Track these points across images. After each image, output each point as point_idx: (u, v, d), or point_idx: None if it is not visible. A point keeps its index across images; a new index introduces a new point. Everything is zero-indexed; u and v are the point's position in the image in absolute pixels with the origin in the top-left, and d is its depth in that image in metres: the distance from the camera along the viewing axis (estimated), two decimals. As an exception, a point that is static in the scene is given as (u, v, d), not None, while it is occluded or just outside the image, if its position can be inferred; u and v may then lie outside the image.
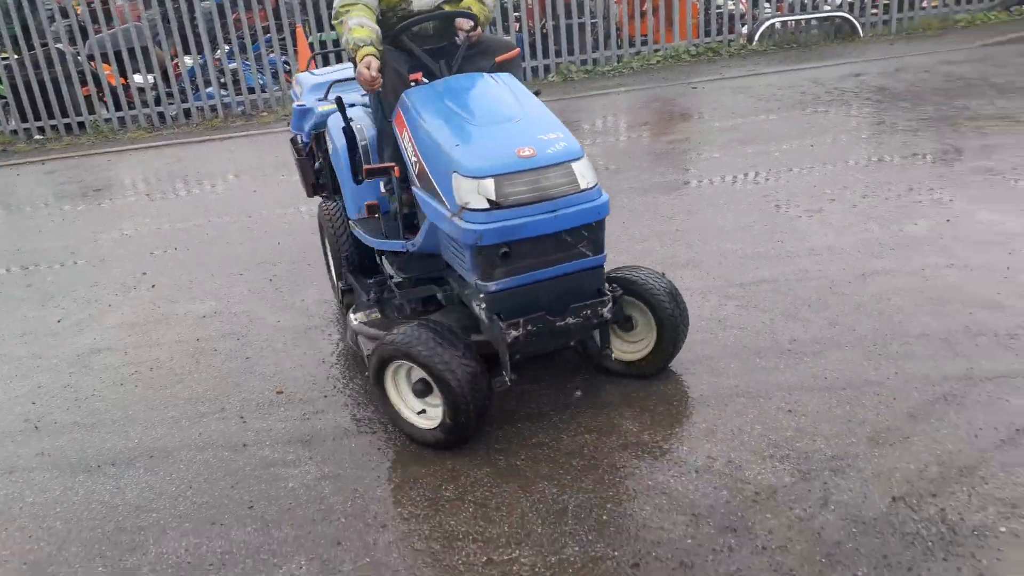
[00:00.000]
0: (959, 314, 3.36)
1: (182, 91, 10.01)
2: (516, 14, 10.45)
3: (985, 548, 2.15)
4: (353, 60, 2.92)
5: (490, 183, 2.50)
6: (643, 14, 10.62)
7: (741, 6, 11.05)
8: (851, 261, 3.97)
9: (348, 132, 3.22)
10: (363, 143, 3.25)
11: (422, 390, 2.71)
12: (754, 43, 10.70)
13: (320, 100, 3.72)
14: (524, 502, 2.49)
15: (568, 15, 10.28)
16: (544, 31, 10.38)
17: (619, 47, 10.61)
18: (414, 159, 2.78)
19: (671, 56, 10.49)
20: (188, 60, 10.10)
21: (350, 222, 3.45)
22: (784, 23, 10.88)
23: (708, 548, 2.24)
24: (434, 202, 2.69)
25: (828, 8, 11.03)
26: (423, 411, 2.80)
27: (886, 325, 3.33)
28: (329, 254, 3.94)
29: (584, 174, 2.62)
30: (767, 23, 10.80)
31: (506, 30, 10.20)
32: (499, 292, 2.58)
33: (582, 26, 10.38)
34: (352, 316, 3.27)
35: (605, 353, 2.97)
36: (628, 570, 2.19)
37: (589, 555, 2.25)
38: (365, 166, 3.02)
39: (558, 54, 10.40)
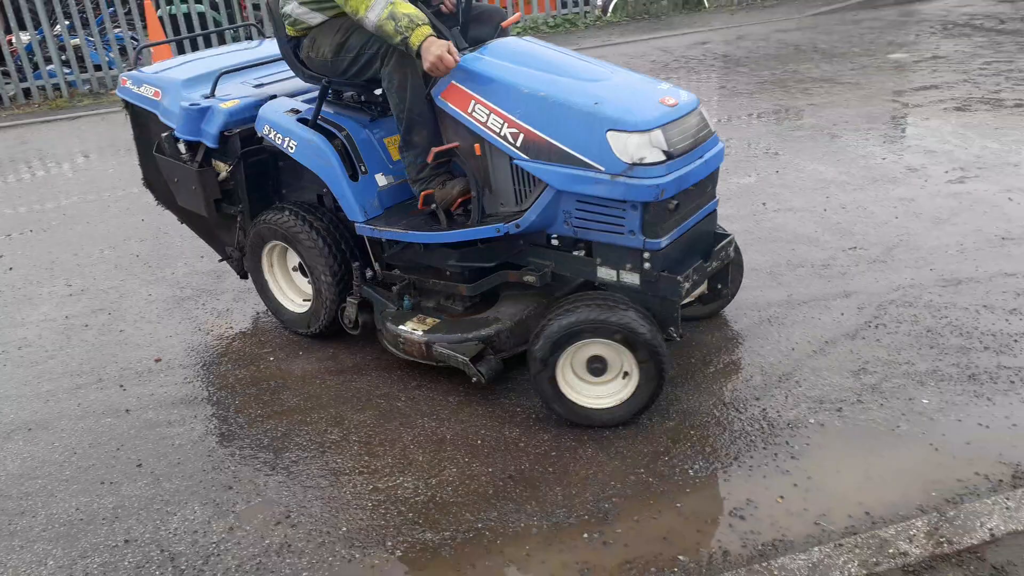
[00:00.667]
0: (783, 250, 3.82)
1: (20, 70, 9.40)
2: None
3: (797, 437, 2.55)
4: (406, 42, 2.55)
5: (660, 134, 2.43)
6: (501, -14, 10.83)
7: (595, -22, 11.48)
8: (694, 210, 4.38)
9: (317, 126, 2.95)
10: (344, 132, 2.97)
11: (600, 368, 2.61)
12: (608, 14, 11.16)
13: (207, 96, 3.22)
14: (406, 436, 2.71)
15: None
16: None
17: (480, 19, 10.80)
18: (511, 130, 2.55)
19: (530, 27, 10.79)
20: (24, 36, 9.48)
21: (360, 226, 2.94)
22: (635, -6, 11.40)
23: (569, 455, 2.54)
24: (570, 169, 2.48)
25: (675, -20, 11.63)
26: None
27: (722, 263, 3.74)
28: (284, 277, 3.41)
29: (709, 119, 2.66)
30: (619, -5, 11.27)
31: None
32: (667, 247, 2.52)
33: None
34: (406, 329, 2.87)
35: (725, 293, 3.04)
36: (502, 481, 2.45)
37: (466, 473, 2.50)
38: (435, 148, 2.73)
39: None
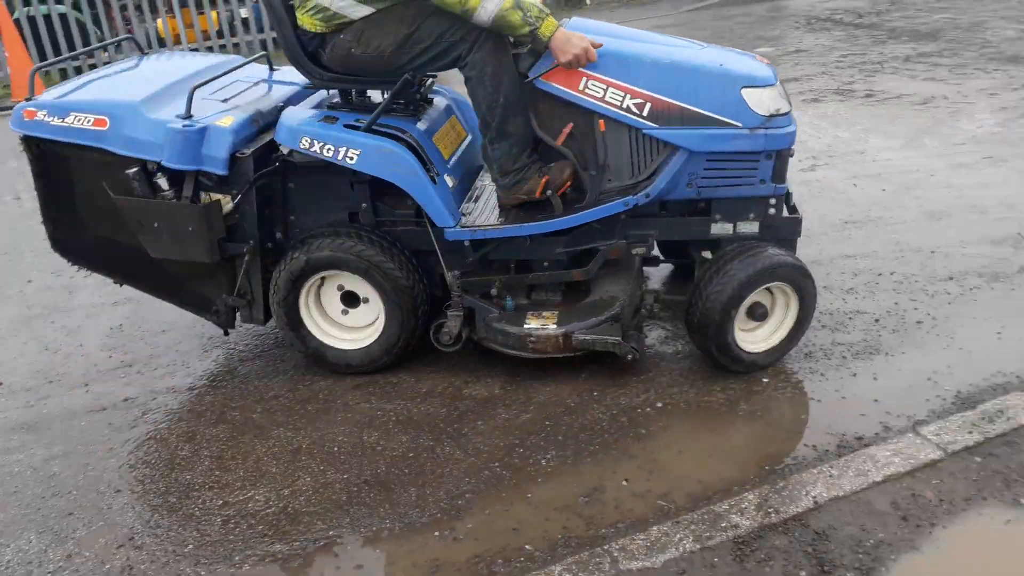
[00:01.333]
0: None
1: None
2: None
3: (644, 421, 2.63)
4: (534, 32, 2.51)
5: (782, 87, 2.67)
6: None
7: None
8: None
9: (374, 131, 2.73)
10: (407, 135, 2.78)
11: (763, 313, 2.78)
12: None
13: (185, 117, 2.69)
14: (259, 448, 2.65)
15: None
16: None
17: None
18: (635, 100, 2.60)
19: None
20: None
21: (453, 231, 2.76)
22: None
23: (426, 455, 2.55)
24: (706, 130, 2.61)
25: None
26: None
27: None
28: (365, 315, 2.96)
29: None
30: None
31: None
32: (785, 190, 2.78)
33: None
34: (535, 326, 2.77)
35: None
36: (357, 486, 2.44)
37: (320, 482, 2.47)
38: (564, 130, 2.70)
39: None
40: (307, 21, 2.70)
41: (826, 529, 2.11)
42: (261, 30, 9.97)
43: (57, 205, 2.97)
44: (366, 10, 2.64)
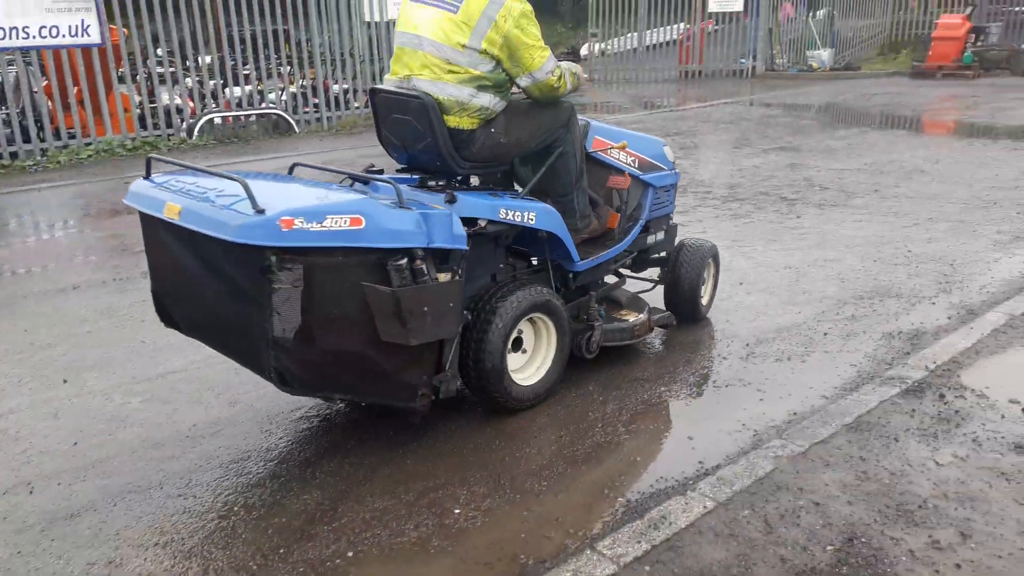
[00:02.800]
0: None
1: None
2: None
3: (333, 575, 2.48)
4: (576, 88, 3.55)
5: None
6: (67, 106, 9.96)
7: (178, 100, 11.15)
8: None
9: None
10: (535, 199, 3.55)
11: (704, 280, 4.37)
12: (194, 137, 10.86)
13: (402, 206, 2.79)
14: None
15: (-30, 105, 9.12)
16: (-60, 122, 9.02)
17: (42, 140, 9.75)
18: (631, 158, 3.96)
19: (105, 150, 10.03)
20: None
21: (583, 263, 3.66)
22: (224, 118, 11.29)
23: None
24: (657, 173, 4.07)
25: (265, 106, 11.83)
26: None
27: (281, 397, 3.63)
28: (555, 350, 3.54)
29: None
30: (206, 118, 11.08)
31: None
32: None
33: (-10, 117, 9.30)
34: (634, 318, 3.88)
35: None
36: None
37: None
38: (620, 180, 3.90)
39: (-38, 148, 9.12)
40: (465, 122, 3.26)
41: (511, 667, 2.08)
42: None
43: (292, 327, 2.66)
44: (504, 104, 3.35)
